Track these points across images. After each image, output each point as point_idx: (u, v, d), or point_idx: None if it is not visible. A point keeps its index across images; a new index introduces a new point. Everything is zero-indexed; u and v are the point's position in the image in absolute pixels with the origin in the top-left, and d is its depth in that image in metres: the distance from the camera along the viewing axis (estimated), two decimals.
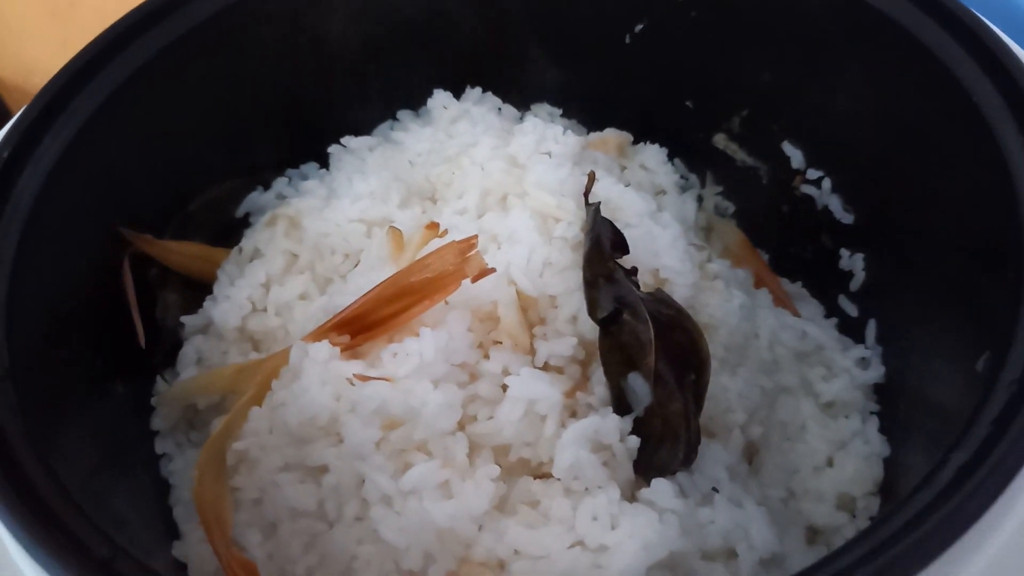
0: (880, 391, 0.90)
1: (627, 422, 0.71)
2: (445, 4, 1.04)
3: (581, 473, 0.68)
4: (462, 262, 0.71)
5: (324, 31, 1.01)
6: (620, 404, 0.73)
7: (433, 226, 0.81)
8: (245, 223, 1.04)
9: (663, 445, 0.72)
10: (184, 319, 0.91)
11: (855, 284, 0.96)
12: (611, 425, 0.70)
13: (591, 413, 0.72)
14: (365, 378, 0.70)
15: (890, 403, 0.88)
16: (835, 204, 0.97)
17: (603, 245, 0.77)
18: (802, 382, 0.90)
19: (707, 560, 0.69)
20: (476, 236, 0.73)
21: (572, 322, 0.75)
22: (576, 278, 0.76)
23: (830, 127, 0.94)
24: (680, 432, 0.71)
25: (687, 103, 1.08)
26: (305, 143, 1.08)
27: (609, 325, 0.72)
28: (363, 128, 1.10)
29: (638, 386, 0.72)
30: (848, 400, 0.89)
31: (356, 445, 0.68)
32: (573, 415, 0.73)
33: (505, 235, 0.80)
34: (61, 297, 0.78)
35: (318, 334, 0.77)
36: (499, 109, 1.07)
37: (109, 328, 0.84)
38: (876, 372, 0.89)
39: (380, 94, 1.10)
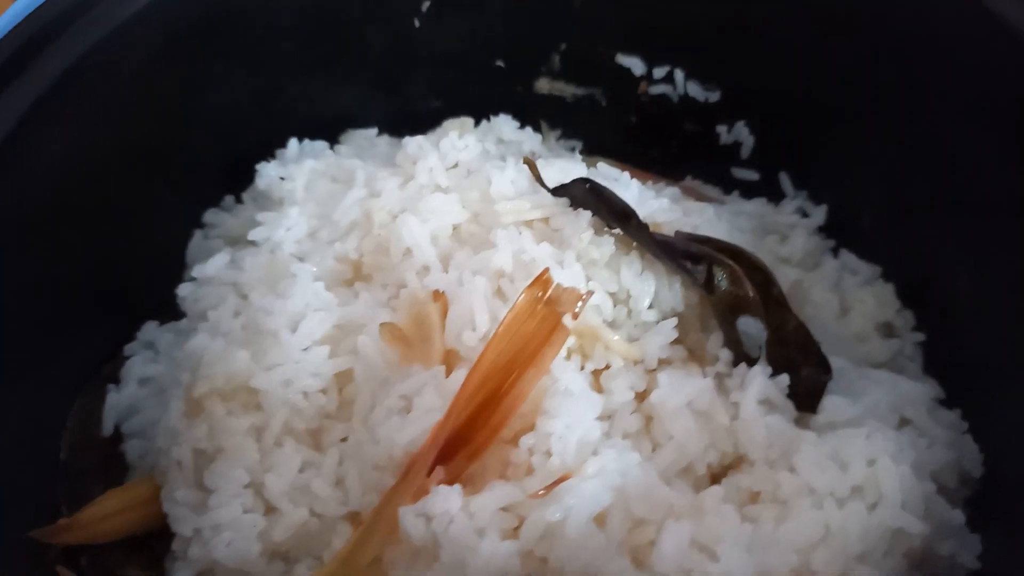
0: (828, 229, 0.94)
1: (764, 366, 0.66)
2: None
3: (776, 438, 0.62)
4: (548, 305, 0.59)
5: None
6: (741, 356, 0.67)
7: (439, 295, 0.66)
8: (118, 438, 0.77)
9: (796, 368, 0.68)
10: None
11: (746, 151, 0.98)
12: (765, 379, 0.64)
13: (728, 380, 0.66)
14: (548, 489, 0.55)
15: (847, 231, 0.93)
16: (695, 90, 0.97)
17: (621, 216, 0.69)
18: (772, 256, 0.91)
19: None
20: (547, 268, 0.60)
21: (654, 307, 0.67)
22: (624, 264, 0.68)
23: (667, 21, 0.93)
24: (807, 345, 0.68)
25: (498, 63, 1.00)
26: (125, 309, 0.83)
27: (710, 283, 0.65)
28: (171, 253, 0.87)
29: (750, 326, 0.67)
30: (812, 248, 0.92)
31: (585, 566, 0.54)
32: None
33: (511, 263, 0.68)
34: None
35: (406, 488, 0.59)
36: (331, 148, 0.91)
37: None
38: (820, 212, 0.93)
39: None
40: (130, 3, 0.78)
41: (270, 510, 0.66)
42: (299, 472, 0.67)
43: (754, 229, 0.92)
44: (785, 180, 0.97)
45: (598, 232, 0.69)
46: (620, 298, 0.67)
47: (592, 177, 0.80)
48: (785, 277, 0.88)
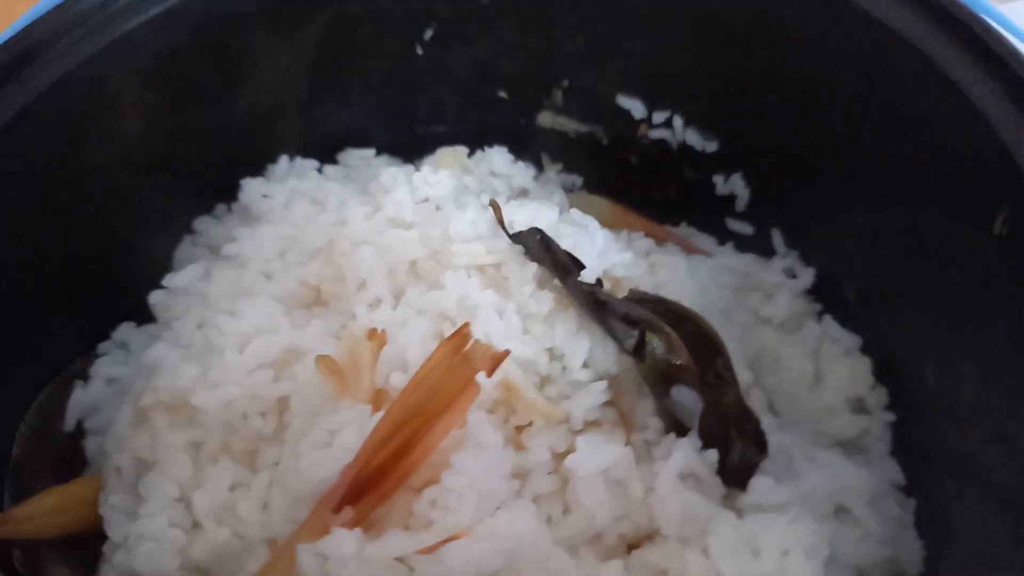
0: (817, 292, 0.91)
1: (695, 438, 0.64)
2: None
3: (691, 515, 0.61)
4: (463, 359, 0.59)
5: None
6: (673, 425, 0.66)
7: (375, 334, 0.66)
8: (80, 434, 0.80)
9: (730, 443, 0.66)
10: None
11: (741, 204, 0.96)
12: (690, 452, 0.63)
13: (656, 449, 0.65)
14: (434, 547, 0.55)
15: (833, 297, 0.90)
16: (693, 138, 0.96)
17: (562, 271, 0.68)
18: (752, 314, 0.89)
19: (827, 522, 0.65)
20: (467, 324, 0.60)
21: (587, 366, 0.66)
22: (560, 321, 0.67)
23: (667, 67, 0.91)
24: (743, 421, 0.66)
25: (500, 94, 1.00)
26: (109, 309, 0.86)
27: (641, 350, 0.64)
28: (161, 256, 0.90)
29: (684, 396, 0.65)
30: (796, 311, 0.89)
31: None
32: None
33: (455, 306, 0.68)
34: None
35: (313, 524, 0.60)
36: (318, 170, 0.93)
37: None
38: (807, 275, 0.90)
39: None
40: (132, 16, 0.80)
41: (196, 526, 0.68)
42: (229, 491, 0.69)
43: (737, 286, 0.90)
44: (777, 237, 0.94)
45: (542, 285, 0.68)
46: (556, 354, 0.67)
47: (564, 223, 0.80)
48: (761, 338, 0.86)
